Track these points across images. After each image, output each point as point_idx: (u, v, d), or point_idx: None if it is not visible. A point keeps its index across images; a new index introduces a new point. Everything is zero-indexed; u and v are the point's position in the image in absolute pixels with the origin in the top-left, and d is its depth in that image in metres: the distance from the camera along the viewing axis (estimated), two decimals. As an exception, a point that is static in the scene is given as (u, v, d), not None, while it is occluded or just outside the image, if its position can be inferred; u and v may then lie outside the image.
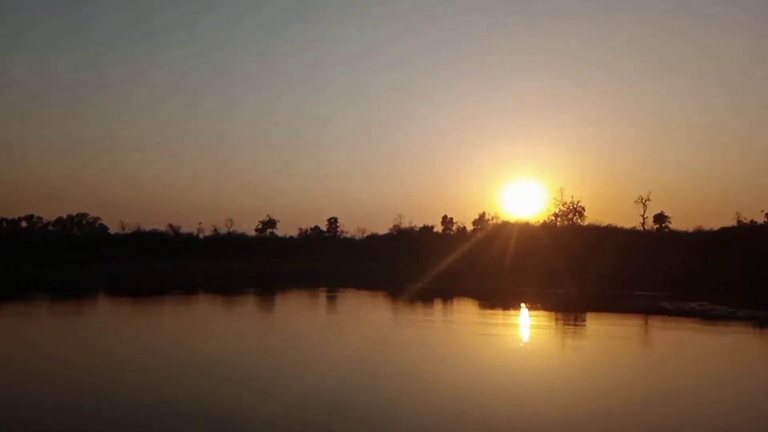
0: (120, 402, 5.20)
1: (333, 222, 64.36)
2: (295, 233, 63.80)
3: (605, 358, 8.61)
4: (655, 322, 13.19)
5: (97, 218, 58.51)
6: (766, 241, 32.14)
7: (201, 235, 59.00)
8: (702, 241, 40.16)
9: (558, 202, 52.57)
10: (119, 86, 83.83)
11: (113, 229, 57.34)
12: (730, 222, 42.35)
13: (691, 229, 46.03)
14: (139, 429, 4.52)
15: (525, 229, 48.16)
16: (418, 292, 21.06)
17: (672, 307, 16.19)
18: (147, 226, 56.61)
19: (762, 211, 35.77)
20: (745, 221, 40.59)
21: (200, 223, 59.49)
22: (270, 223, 62.02)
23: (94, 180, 70.76)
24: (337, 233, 63.46)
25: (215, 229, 59.67)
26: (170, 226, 57.18)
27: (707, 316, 13.78)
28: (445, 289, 23.05)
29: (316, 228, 64.52)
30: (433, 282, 25.99)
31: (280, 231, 62.69)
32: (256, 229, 61.86)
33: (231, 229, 60.38)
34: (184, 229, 58.21)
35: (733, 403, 5.71)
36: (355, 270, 40.63)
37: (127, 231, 55.88)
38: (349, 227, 65.36)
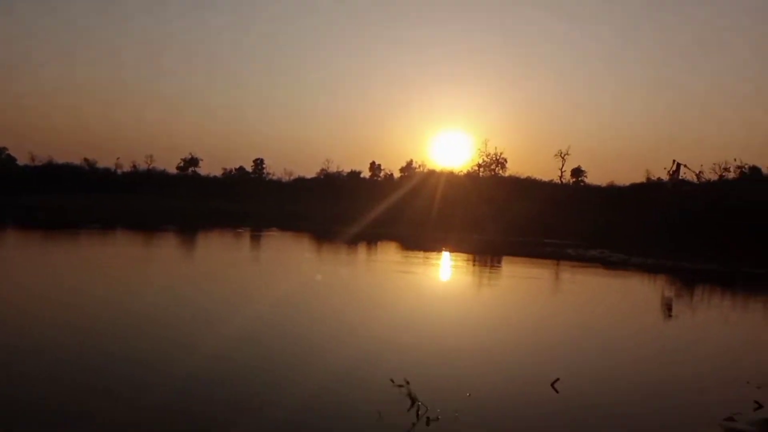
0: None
1: (259, 163, 63.13)
2: (219, 173, 62.26)
3: (517, 295, 9.43)
4: (559, 266, 14.39)
5: (3, 148, 54.65)
6: (667, 196, 34.43)
7: (119, 171, 56.51)
8: (613, 196, 42.49)
9: (482, 153, 53.96)
10: (29, 9, 77.20)
11: (22, 161, 53.86)
12: (641, 179, 44.94)
13: (604, 184, 48.48)
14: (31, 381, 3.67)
15: (451, 178, 49.21)
16: (345, 235, 21.32)
17: (575, 253, 17.83)
18: (60, 160, 53.50)
19: (665, 168, 38.18)
20: (653, 178, 43.16)
21: (118, 158, 56.83)
22: (192, 161, 60.10)
23: (-2, 108, 65.72)
24: (263, 175, 62.44)
25: (134, 166, 57.27)
26: (86, 160, 54.31)
27: (605, 262, 15.29)
28: (373, 233, 23.48)
29: (241, 169, 63.15)
30: (361, 226, 26.37)
31: (204, 170, 60.98)
32: (178, 167, 59.84)
33: (151, 166, 58.12)
34: (101, 164, 55.50)
35: (629, 329, 6.43)
36: (280, 212, 40.39)
37: (38, 164, 52.64)
38: (276, 169, 64.43)
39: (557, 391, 3.82)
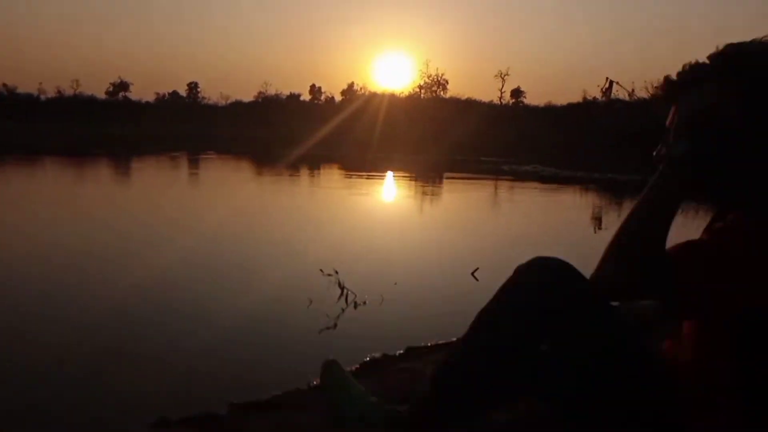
0: None
1: (193, 87, 60.76)
2: (151, 98, 59.59)
3: (449, 205, 10.01)
4: (495, 180, 15.17)
5: None
6: (600, 113, 35.48)
7: (42, 97, 53.27)
8: (549, 115, 43.38)
9: (424, 75, 53.55)
10: None
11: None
12: (578, 99, 45.97)
13: (542, 104, 49.33)
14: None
15: (393, 100, 48.95)
16: (286, 158, 21.13)
17: (509, 169, 18.99)
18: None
19: (598, 86, 39.19)
20: (589, 98, 44.24)
21: (41, 83, 53.47)
22: (122, 85, 57.27)
23: None
24: (198, 99, 60.26)
25: (59, 91, 54.04)
26: (4, 85, 50.84)
27: (537, 176, 16.35)
28: (315, 156, 23.42)
29: (175, 93, 60.64)
30: (302, 149, 26.20)
31: (134, 95, 58.23)
32: (107, 92, 56.92)
33: (77, 91, 54.99)
34: (22, 90, 52.07)
35: (553, 233, 6.80)
36: (217, 136, 39.36)
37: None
38: (211, 93, 62.23)
39: (477, 279, 4.16)
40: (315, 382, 2.24)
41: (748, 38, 1.25)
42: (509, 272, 1.44)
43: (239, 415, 2.03)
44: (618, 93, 37.18)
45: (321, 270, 3.72)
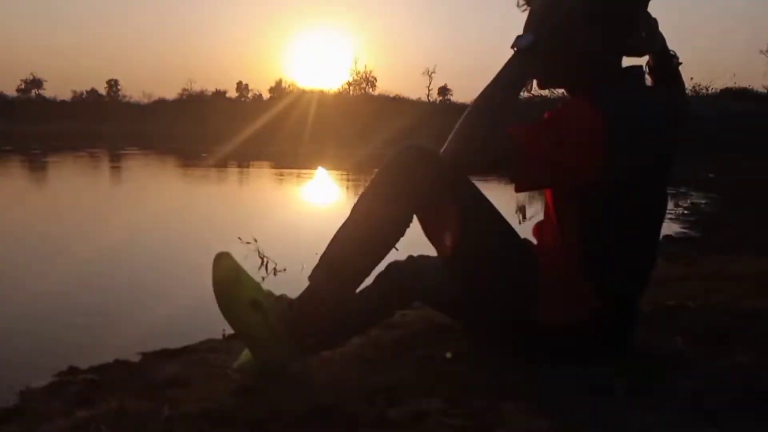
0: None
1: (113, 84, 58.26)
2: (68, 96, 56.74)
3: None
4: None
5: None
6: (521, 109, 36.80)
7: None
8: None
9: (353, 72, 53.64)
10: None
11: None
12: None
13: (469, 101, 50.51)
14: None
15: (322, 97, 48.73)
16: (215, 155, 20.69)
17: None
18: None
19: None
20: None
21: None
22: (35, 82, 54.17)
23: None
24: (119, 97, 57.88)
25: (-37, 88, 50.53)
26: None
27: None
28: (244, 153, 23.04)
29: (93, 91, 57.96)
30: (231, 146, 25.70)
31: (49, 92, 55.29)
32: (18, 89, 53.74)
33: (-16, 88, 51.58)
34: None
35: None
36: (141, 134, 37.96)
37: None
38: (133, 91, 59.92)
39: (397, 249, 4.27)
40: (227, 333, 2.28)
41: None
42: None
43: (151, 361, 2.05)
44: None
45: (239, 238, 3.74)
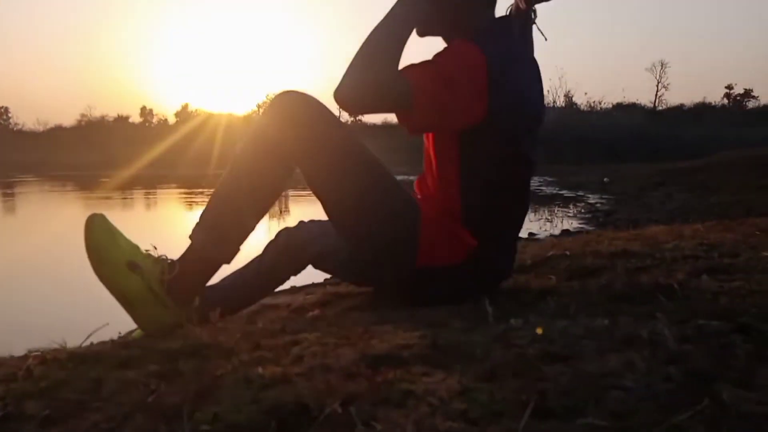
0: None
1: (2, 111, 54.52)
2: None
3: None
4: None
5: None
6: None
7: None
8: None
9: (266, 93, 53.10)
10: None
11: None
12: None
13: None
14: None
15: (231, 119, 47.85)
16: (116, 179, 19.77)
17: None
18: None
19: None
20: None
21: None
22: None
23: None
24: (10, 125, 54.18)
25: None
26: None
27: None
28: (150, 176, 22.19)
29: (-20, 118, 53.96)
30: (135, 170, 24.66)
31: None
32: None
33: None
34: None
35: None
36: (36, 161, 35.66)
37: None
38: (26, 119, 56.20)
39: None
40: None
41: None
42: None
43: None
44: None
45: (154, 247, 3.61)
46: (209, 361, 1.04)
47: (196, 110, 56.36)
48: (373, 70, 1.38)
